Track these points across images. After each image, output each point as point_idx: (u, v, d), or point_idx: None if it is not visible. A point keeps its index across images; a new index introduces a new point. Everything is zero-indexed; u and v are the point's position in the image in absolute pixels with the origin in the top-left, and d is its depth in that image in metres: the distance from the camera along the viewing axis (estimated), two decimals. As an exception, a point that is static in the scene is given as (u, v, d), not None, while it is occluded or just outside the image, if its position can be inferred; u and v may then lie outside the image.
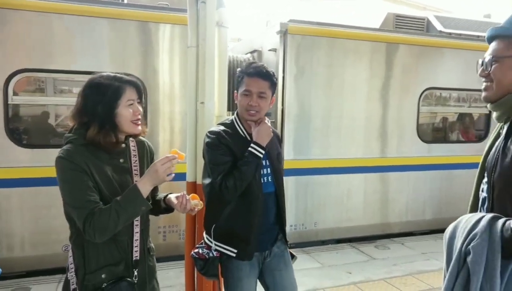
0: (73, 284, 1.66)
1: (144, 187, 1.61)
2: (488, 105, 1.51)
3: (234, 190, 1.97)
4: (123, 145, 1.75)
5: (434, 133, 6.40)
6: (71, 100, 5.05)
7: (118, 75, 1.71)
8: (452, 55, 5.63)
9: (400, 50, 5.36)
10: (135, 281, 1.72)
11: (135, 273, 1.73)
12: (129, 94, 1.68)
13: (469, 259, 1.26)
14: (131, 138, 1.81)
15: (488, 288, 1.22)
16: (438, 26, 5.91)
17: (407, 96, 5.46)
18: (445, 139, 6.49)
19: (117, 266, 1.69)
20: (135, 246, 1.74)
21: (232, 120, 2.16)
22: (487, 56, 1.46)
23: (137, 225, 1.74)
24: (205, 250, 2.13)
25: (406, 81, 5.41)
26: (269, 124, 2.12)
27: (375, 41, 5.24)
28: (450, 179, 5.83)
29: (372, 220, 5.46)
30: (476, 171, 1.55)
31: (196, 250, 2.17)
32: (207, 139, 2.07)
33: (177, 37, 4.33)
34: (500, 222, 1.26)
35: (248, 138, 2.09)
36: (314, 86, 4.90)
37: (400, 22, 5.89)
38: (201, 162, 2.79)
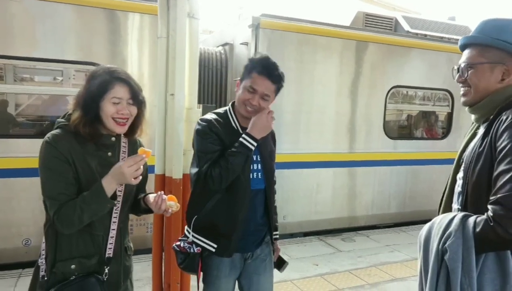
0: (42, 271, 1.64)
1: (109, 185, 1.58)
2: (467, 108, 1.60)
3: (219, 180, 1.88)
4: (113, 139, 1.71)
5: (399, 130, 6.60)
6: (33, 88, 4.87)
7: (117, 70, 1.67)
8: (417, 55, 5.81)
9: (369, 48, 5.47)
10: (105, 279, 1.67)
11: (106, 270, 1.69)
12: (117, 91, 1.63)
13: (446, 257, 1.33)
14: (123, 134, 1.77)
15: (467, 282, 1.29)
16: (406, 26, 6.08)
17: (375, 93, 5.59)
18: (410, 136, 6.71)
19: (89, 259, 1.66)
20: (110, 243, 1.70)
21: (226, 110, 2.07)
22: (462, 63, 1.56)
23: (115, 222, 1.71)
24: (186, 244, 2.06)
25: (374, 78, 5.55)
26: (272, 116, 1.98)
27: (345, 39, 5.33)
28: (414, 174, 6.04)
29: (340, 214, 5.58)
30: (450, 166, 1.65)
31: (178, 243, 2.09)
32: (198, 127, 2.00)
33: (147, 27, 4.23)
34: (471, 219, 1.33)
35: (240, 131, 2.00)
36: (285, 81, 4.91)
37: (369, 21, 6.02)
38: (170, 155, 2.76)
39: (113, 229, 1.71)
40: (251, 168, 2.02)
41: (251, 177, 2.01)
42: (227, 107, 2.08)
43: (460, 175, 1.55)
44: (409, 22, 6.18)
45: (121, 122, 1.65)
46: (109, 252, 1.70)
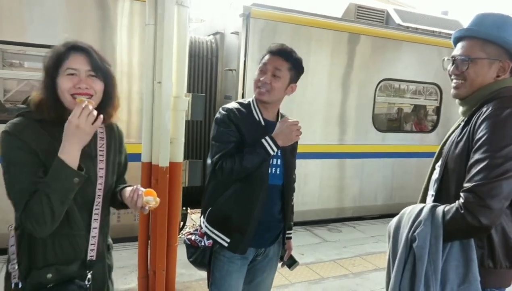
0: (14, 278, 1.41)
1: (68, 153, 1.31)
2: (458, 101, 1.61)
3: (230, 174, 1.83)
4: None
5: (388, 123, 6.66)
6: (21, 74, 4.83)
7: (75, 41, 1.45)
8: (408, 48, 5.84)
9: (360, 40, 5.49)
10: (87, 285, 1.48)
11: (89, 275, 1.49)
12: (72, 61, 1.39)
13: (414, 244, 1.37)
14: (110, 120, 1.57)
15: (432, 270, 1.34)
16: (397, 19, 6.10)
17: (365, 86, 5.62)
18: (398, 129, 6.77)
19: (68, 265, 1.45)
20: (92, 244, 1.50)
21: (249, 101, 2.00)
22: (460, 56, 1.54)
23: (96, 219, 1.51)
24: (198, 237, 1.98)
25: (364, 71, 5.57)
26: (299, 131, 1.92)
27: (337, 30, 5.33)
28: (402, 166, 6.11)
29: (327, 205, 5.65)
30: (430, 159, 1.69)
31: (189, 236, 2.01)
32: (217, 115, 1.93)
33: (136, 14, 4.20)
34: (440, 208, 1.37)
35: (263, 123, 1.95)
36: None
37: (361, 13, 6.02)
38: (157, 143, 2.77)
39: (95, 228, 1.50)
40: (271, 162, 1.95)
41: (270, 171, 1.94)
42: (251, 99, 2.02)
43: (439, 163, 1.58)
44: (400, 15, 6.20)
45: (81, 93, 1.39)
46: (92, 255, 1.50)
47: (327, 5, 6.63)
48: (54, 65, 1.40)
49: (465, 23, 1.61)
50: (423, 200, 1.70)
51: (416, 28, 6.16)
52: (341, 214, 5.80)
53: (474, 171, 1.32)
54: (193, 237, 2.00)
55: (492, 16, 1.53)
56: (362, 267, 4.17)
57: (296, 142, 2.10)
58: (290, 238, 2.21)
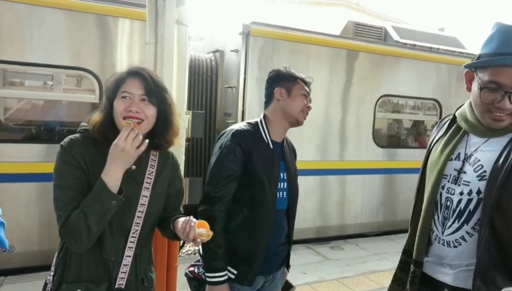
0: (48, 289, 1.46)
1: (112, 176, 1.33)
2: (485, 129, 1.45)
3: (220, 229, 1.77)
4: None
5: (388, 138, 6.65)
6: (22, 93, 4.83)
7: (136, 66, 1.49)
8: (406, 65, 5.88)
9: (359, 57, 5.53)
10: None
11: None
12: (128, 85, 1.42)
13: None
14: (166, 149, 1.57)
15: None
16: (395, 36, 6.16)
17: (364, 102, 5.64)
18: (399, 145, 6.76)
19: (98, 286, 1.43)
20: (122, 272, 1.45)
21: (257, 121, 1.95)
22: None
23: (131, 247, 1.46)
24: (201, 268, 1.90)
25: (363, 87, 5.59)
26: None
27: (336, 48, 5.38)
28: (403, 182, 6.07)
29: (328, 222, 5.58)
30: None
31: (191, 269, 1.93)
32: (224, 140, 1.86)
33: (136, 33, 4.24)
34: None
35: (271, 145, 1.90)
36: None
37: (359, 30, 6.09)
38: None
39: (128, 256, 1.46)
40: (278, 186, 1.89)
41: (279, 196, 1.89)
42: (258, 119, 1.97)
43: (463, 189, 1.43)
44: (398, 32, 6.27)
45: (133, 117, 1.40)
46: (120, 283, 1.46)
47: (325, 23, 6.70)
48: (113, 88, 1.44)
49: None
50: (426, 224, 1.54)
51: (414, 45, 6.22)
52: (342, 231, 5.74)
53: None
54: (196, 270, 1.93)
55: None
56: (366, 286, 4.09)
57: (296, 160, 2.09)
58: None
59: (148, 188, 1.50)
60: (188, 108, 3.98)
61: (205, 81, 5.18)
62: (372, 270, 4.52)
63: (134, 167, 1.46)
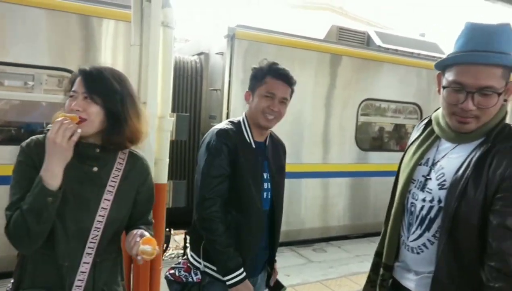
0: None
1: (48, 171, 1.25)
2: (453, 134, 1.41)
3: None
4: (97, 150, 1.41)
5: (371, 141, 6.75)
6: (2, 93, 4.72)
7: (89, 64, 1.44)
8: (388, 69, 5.99)
9: (343, 61, 5.60)
10: None
11: None
12: (75, 84, 1.37)
13: None
14: (123, 149, 1.48)
15: None
16: (377, 41, 6.26)
17: (347, 105, 5.71)
18: (381, 148, 6.86)
19: None
20: (79, 280, 1.35)
21: (239, 121, 1.92)
22: (484, 89, 1.27)
23: (90, 254, 1.37)
24: (183, 272, 1.85)
25: (346, 91, 5.67)
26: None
27: (320, 52, 5.44)
28: (385, 185, 6.15)
29: (311, 224, 5.63)
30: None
31: (172, 271, 1.87)
32: (209, 140, 1.84)
33: (121, 34, 4.20)
34: None
35: (253, 145, 1.87)
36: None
37: (343, 35, 6.17)
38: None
39: (86, 263, 1.36)
40: (262, 187, 1.87)
41: (263, 196, 1.87)
42: (241, 118, 1.94)
43: (426, 196, 1.40)
44: (380, 37, 6.37)
45: (78, 123, 1.33)
46: None
47: (310, 27, 6.77)
48: (68, 86, 1.41)
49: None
50: (395, 229, 1.52)
51: (396, 50, 6.33)
52: (325, 233, 5.79)
53: None
54: (176, 272, 1.87)
55: (500, 31, 1.27)
56: (348, 288, 4.14)
57: (283, 160, 2.06)
58: (275, 260, 2.13)
59: (112, 192, 1.41)
60: (173, 111, 3.97)
61: (190, 83, 5.16)
62: (354, 272, 4.58)
63: (96, 168, 1.41)
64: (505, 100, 1.33)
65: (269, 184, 1.92)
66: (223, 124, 1.91)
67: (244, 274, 1.76)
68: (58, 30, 3.95)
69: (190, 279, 1.83)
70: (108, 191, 1.41)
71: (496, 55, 1.25)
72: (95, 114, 1.36)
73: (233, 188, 1.81)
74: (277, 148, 2.05)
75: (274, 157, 1.98)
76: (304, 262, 4.83)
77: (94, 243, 1.38)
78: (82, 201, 1.36)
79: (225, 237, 1.75)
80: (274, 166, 1.95)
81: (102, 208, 1.39)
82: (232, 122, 1.92)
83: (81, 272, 1.36)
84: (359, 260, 4.99)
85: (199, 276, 1.83)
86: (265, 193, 1.90)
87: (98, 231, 1.38)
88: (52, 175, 1.26)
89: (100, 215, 1.38)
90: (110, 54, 4.19)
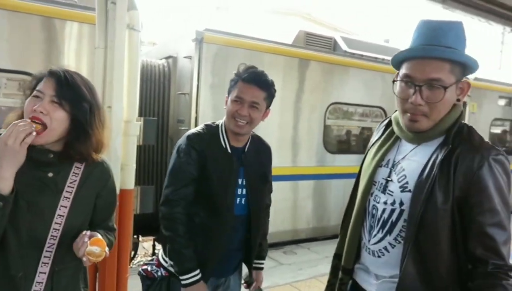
0: None
1: None
2: (410, 134, 1.40)
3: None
4: (50, 155, 1.33)
5: (339, 144, 6.88)
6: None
7: (59, 66, 1.39)
8: (354, 74, 6.14)
9: (310, 66, 5.70)
10: None
11: None
12: (42, 84, 1.29)
13: None
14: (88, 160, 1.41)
15: None
16: (343, 46, 6.41)
17: (315, 109, 5.81)
18: (348, 150, 7.01)
19: None
20: (35, 290, 1.29)
21: (218, 125, 1.91)
22: (431, 82, 1.28)
23: (46, 263, 1.30)
24: (154, 267, 1.87)
25: (314, 95, 5.77)
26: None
27: (288, 56, 5.51)
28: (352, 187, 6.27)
29: (282, 227, 5.67)
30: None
31: (145, 267, 1.89)
32: (180, 142, 1.85)
33: (85, 37, 4.09)
34: None
35: (229, 150, 1.86)
36: (229, 95, 4.98)
37: (310, 40, 6.27)
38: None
39: (43, 272, 1.29)
40: (236, 192, 1.86)
41: (236, 202, 1.87)
42: (220, 122, 1.93)
43: (387, 198, 1.38)
44: (346, 42, 6.53)
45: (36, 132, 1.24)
46: None
47: (279, 32, 6.85)
48: (31, 86, 1.33)
49: (431, 34, 1.25)
50: (355, 232, 1.50)
51: (361, 55, 6.51)
52: (295, 236, 5.84)
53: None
54: (149, 268, 1.89)
55: (449, 27, 1.29)
56: (318, 289, 4.19)
57: (266, 167, 2.05)
58: (261, 268, 2.13)
59: (68, 198, 1.34)
60: (140, 115, 3.90)
61: (158, 87, 5.10)
62: (323, 273, 4.63)
63: (51, 173, 1.34)
64: (458, 100, 1.35)
65: (244, 190, 1.90)
66: (198, 127, 1.91)
67: (199, 276, 1.77)
68: (19, 32, 3.81)
69: (159, 274, 1.85)
70: (64, 197, 1.34)
71: (441, 49, 1.26)
72: (59, 121, 1.30)
73: (201, 191, 1.82)
74: (260, 154, 2.02)
75: (254, 163, 1.96)
76: (274, 265, 4.85)
77: (51, 251, 1.31)
78: (36, 208, 1.29)
79: (184, 239, 1.76)
80: (253, 173, 1.93)
81: (59, 215, 1.32)
82: (209, 126, 1.92)
83: (38, 282, 1.29)
84: (328, 260, 4.96)
85: (166, 272, 1.86)
86: (239, 199, 1.88)
87: (54, 239, 1.31)
88: (2, 178, 1.18)
89: (56, 223, 1.31)
90: (73, 57, 4.08)
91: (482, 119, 7.88)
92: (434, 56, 1.27)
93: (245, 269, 2.12)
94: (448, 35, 1.28)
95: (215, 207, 1.81)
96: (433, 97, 1.27)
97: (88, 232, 1.32)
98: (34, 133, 1.23)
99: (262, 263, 2.13)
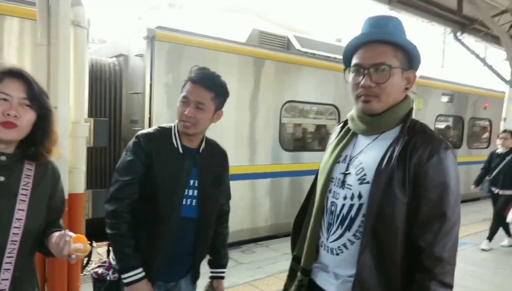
0: None
1: None
2: (366, 117, 1.45)
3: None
4: (2, 158, 1.30)
5: (294, 142, 6.99)
6: None
7: (14, 66, 1.34)
8: (308, 73, 6.25)
9: (265, 64, 5.73)
10: None
11: None
12: (6, 87, 1.27)
13: None
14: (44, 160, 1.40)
15: None
16: (297, 45, 6.51)
17: (271, 107, 5.85)
18: (304, 148, 7.14)
19: None
20: None
21: (171, 126, 1.89)
22: (377, 64, 1.36)
23: (8, 269, 1.27)
24: (105, 270, 1.83)
25: (269, 93, 5.81)
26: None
27: (243, 55, 5.50)
28: (309, 183, 6.38)
29: (240, 226, 5.66)
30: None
31: (97, 270, 1.86)
32: (129, 142, 1.84)
33: (27, 34, 3.85)
34: None
35: (180, 150, 1.84)
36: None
37: (264, 39, 6.31)
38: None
39: (5, 279, 1.26)
40: (185, 193, 1.83)
41: (183, 202, 1.83)
42: (174, 124, 1.90)
43: (346, 193, 1.38)
44: (299, 41, 6.63)
45: (8, 125, 1.25)
46: None
47: (231, 30, 6.83)
48: None
49: (372, 24, 1.41)
50: (315, 230, 1.48)
51: (314, 54, 6.64)
52: (254, 234, 5.86)
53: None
54: (100, 270, 1.86)
55: (389, 19, 1.40)
56: (276, 286, 4.22)
57: (221, 170, 2.02)
58: (222, 277, 2.08)
59: (25, 201, 1.32)
60: (90, 116, 3.74)
61: (108, 86, 4.91)
62: (281, 270, 4.68)
63: (2, 178, 1.30)
64: (407, 89, 1.42)
65: (195, 191, 1.86)
66: (150, 128, 1.92)
67: (142, 274, 1.75)
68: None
69: (108, 278, 1.82)
70: (20, 200, 1.31)
71: (379, 31, 1.37)
72: (28, 123, 1.31)
73: (146, 191, 1.80)
74: (214, 157, 2.00)
75: (208, 165, 1.93)
76: (233, 265, 4.84)
77: (12, 257, 1.28)
78: None
79: (126, 237, 1.75)
80: (206, 174, 1.90)
81: (17, 219, 1.29)
82: (162, 127, 1.91)
83: (1, 289, 1.26)
84: (286, 258, 5.11)
85: (116, 274, 1.82)
86: (189, 200, 1.85)
87: (15, 244, 1.28)
88: None
89: (15, 227, 1.28)
90: (15, 55, 3.82)
91: (427, 116, 8.31)
92: (377, 39, 1.36)
93: (206, 279, 2.08)
94: (388, 24, 1.39)
95: (159, 208, 1.79)
96: (380, 78, 1.34)
97: (63, 231, 1.33)
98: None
99: (223, 272, 2.09)
